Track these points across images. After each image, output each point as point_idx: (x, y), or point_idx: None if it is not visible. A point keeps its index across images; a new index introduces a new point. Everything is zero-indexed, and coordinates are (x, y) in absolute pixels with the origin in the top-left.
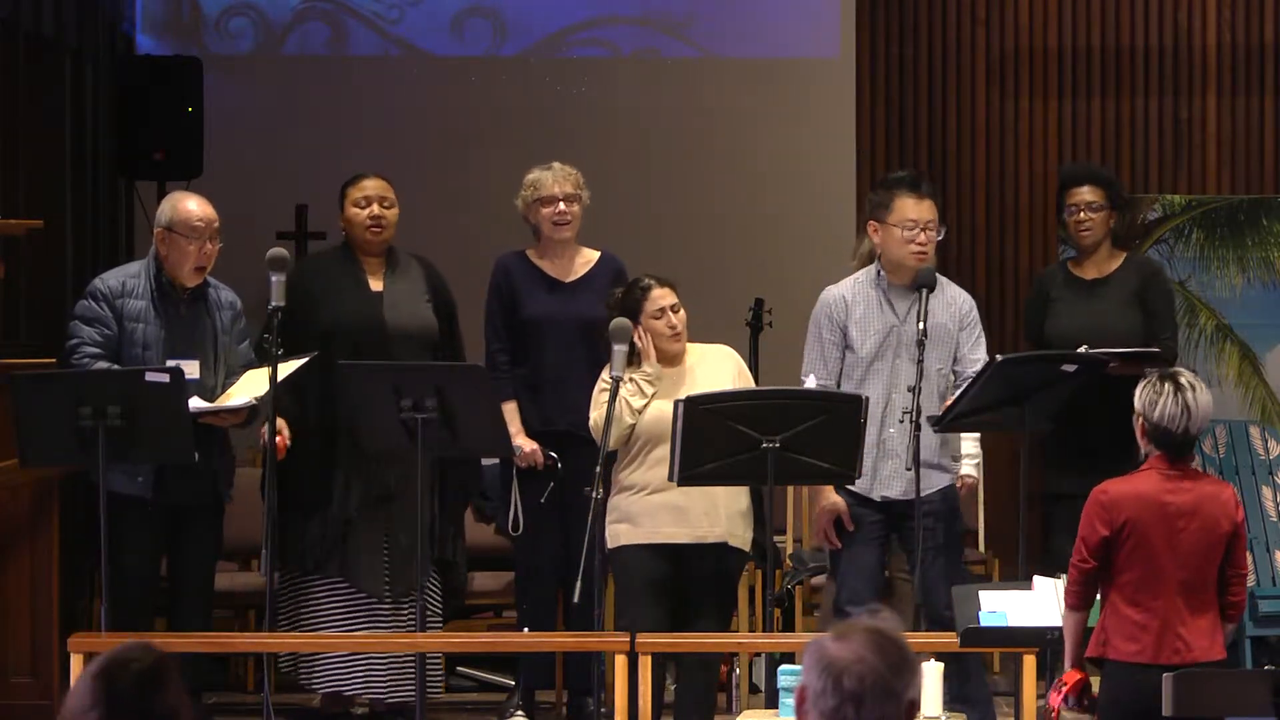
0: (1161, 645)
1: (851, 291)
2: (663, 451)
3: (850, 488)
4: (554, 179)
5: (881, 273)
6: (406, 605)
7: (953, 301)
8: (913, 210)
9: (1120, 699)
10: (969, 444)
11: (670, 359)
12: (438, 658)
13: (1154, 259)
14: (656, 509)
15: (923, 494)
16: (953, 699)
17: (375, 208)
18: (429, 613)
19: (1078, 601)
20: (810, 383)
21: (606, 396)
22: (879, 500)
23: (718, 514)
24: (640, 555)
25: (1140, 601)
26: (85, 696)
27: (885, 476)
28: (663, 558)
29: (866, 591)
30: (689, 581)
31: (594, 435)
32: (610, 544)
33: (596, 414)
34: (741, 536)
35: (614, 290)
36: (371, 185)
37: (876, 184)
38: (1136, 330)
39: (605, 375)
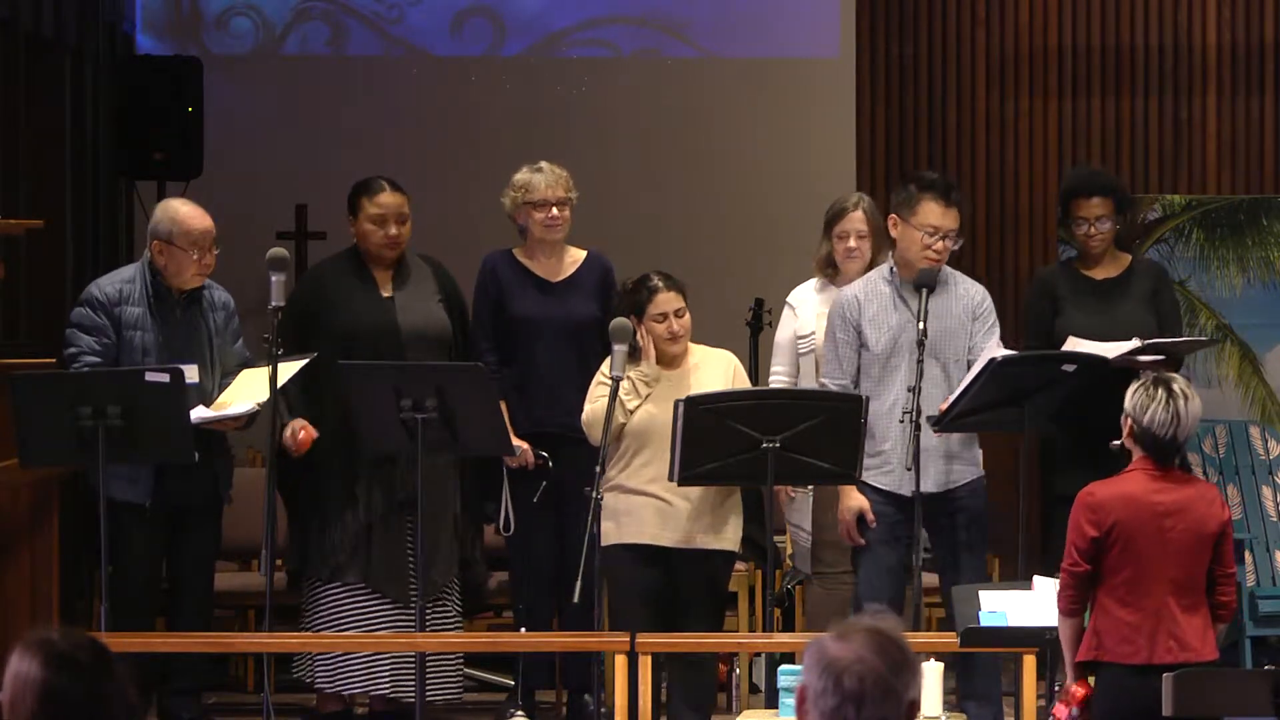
0: (1155, 645)
1: (864, 291)
2: (649, 455)
3: (878, 485)
4: (546, 183)
5: (894, 270)
6: (430, 607)
7: (965, 294)
8: (937, 218)
9: (1118, 702)
10: None
11: (669, 361)
12: (458, 658)
13: (1158, 263)
14: (638, 509)
15: (950, 487)
16: (963, 696)
17: (393, 228)
18: (450, 613)
19: (1072, 606)
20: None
21: (600, 391)
22: (909, 496)
23: (699, 517)
24: (626, 559)
25: (1131, 602)
26: (50, 681)
27: (913, 472)
28: (650, 563)
29: (887, 589)
30: (677, 587)
31: (585, 430)
32: (602, 542)
33: (591, 409)
34: (727, 537)
35: (625, 281)
36: (389, 201)
37: (908, 178)
38: (1151, 331)
39: (604, 371)
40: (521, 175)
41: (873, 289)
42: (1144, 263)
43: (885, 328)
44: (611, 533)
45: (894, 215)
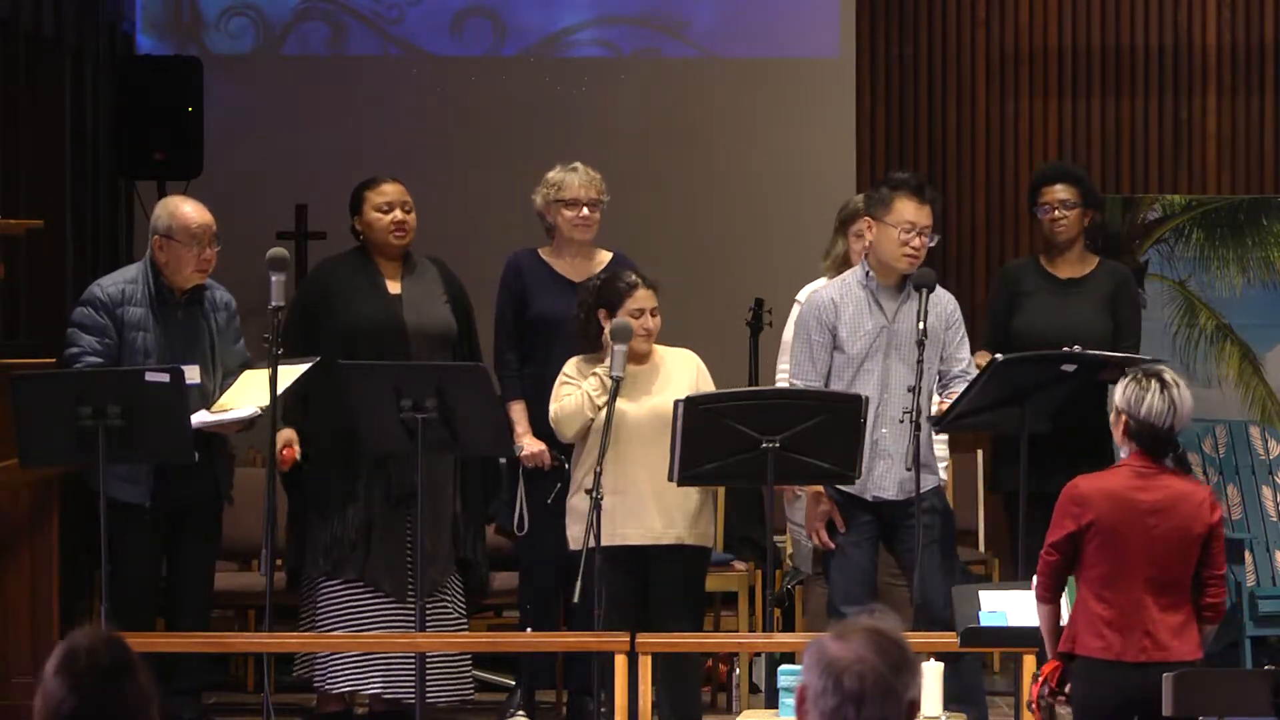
0: (1128, 642)
1: (840, 293)
2: (615, 452)
3: (840, 487)
4: (580, 184)
5: (870, 273)
6: (430, 605)
7: (938, 301)
8: (912, 213)
9: (1090, 695)
10: (939, 447)
11: (637, 359)
12: (466, 658)
13: (1124, 267)
14: (611, 509)
15: (909, 495)
16: (949, 698)
17: (398, 213)
18: (453, 614)
19: (1045, 594)
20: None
21: (566, 390)
22: (870, 500)
23: (671, 514)
24: (603, 565)
25: (1107, 598)
26: (56, 690)
27: (878, 476)
28: (625, 564)
29: (860, 592)
30: (654, 588)
31: (554, 427)
32: (572, 545)
33: (556, 406)
34: (700, 533)
35: (593, 276)
36: (392, 190)
37: (879, 182)
38: (1106, 335)
39: (567, 369)
40: (555, 174)
41: (848, 292)
42: (1109, 265)
43: (861, 331)
44: (584, 537)
45: (867, 218)
